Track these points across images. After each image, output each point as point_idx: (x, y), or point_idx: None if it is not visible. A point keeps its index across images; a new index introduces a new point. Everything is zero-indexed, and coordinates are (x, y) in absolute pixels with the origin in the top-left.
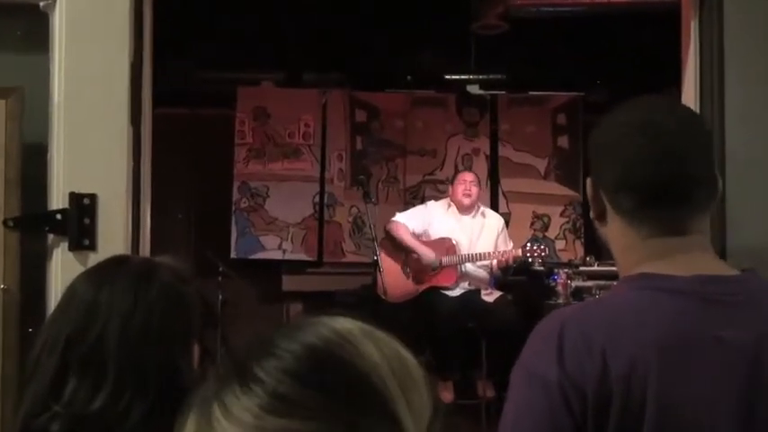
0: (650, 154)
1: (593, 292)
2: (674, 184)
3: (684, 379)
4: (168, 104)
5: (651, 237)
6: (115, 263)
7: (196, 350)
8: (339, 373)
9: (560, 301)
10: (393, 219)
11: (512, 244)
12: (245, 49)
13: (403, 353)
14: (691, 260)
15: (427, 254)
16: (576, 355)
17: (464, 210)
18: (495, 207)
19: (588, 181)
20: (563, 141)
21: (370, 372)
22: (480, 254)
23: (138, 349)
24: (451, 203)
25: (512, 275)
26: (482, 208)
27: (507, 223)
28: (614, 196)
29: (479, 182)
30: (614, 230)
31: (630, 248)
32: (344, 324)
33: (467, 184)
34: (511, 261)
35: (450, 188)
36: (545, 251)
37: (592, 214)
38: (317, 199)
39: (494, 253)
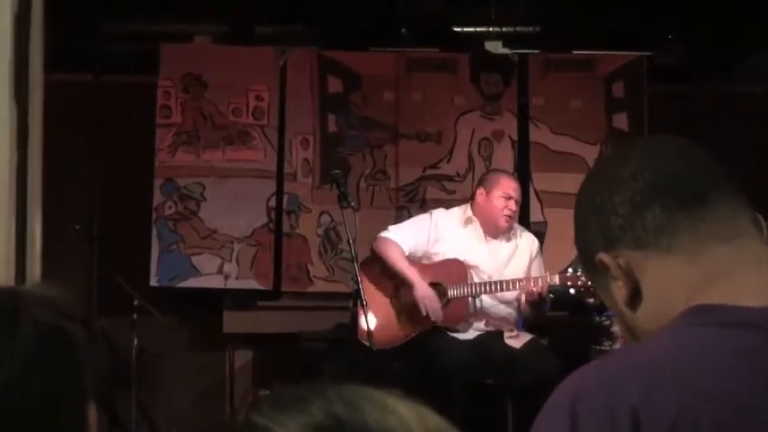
0: (648, 160)
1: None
2: (690, 177)
3: None
4: (65, 69)
5: (694, 248)
6: None
7: (94, 416)
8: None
9: (616, 346)
10: (382, 234)
11: (547, 273)
12: None
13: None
14: (762, 281)
15: (425, 290)
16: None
17: (495, 233)
18: (525, 213)
19: (599, 262)
20: (620, 121)
21: None
22: (499, 282)
23: (7, 420)
24: (474, 219)
25: (548, 311)
26: (516, 228)
27: (542, 237)
28: (636, 231)
29: (519, 193)
30: (653, 279)
31: (676, 283)
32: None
33: (511, 202)
34: (544, 293)
35: (480, 195)
36: None
37: (623, 302)
38: (273, 203)
39: (521, 282)
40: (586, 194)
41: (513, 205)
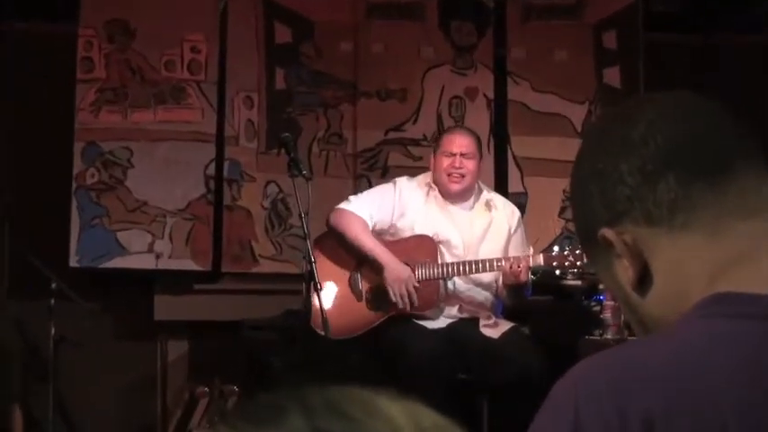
0: (661, 120)
1: None
2: (711, 141)
3: None
4: None
5: (715, 226)
6: None
7: (18, 417)
8: None
9: (608, 335)
10: (341, 206)
11: (530, 250)
12: None
13: None
14: None
15: (398, 271)
16: None
17: (453, 198)
18: (502, 182)
19: (601, 238)
20: (612, 76)
21: None
22: (474, 262)
23: None
24: (433, 186)
25: (530, 296)
26: (485, 192)
27: (523, 210)
28: (646, 204)
29: (480, 148)
30: (666, 260)
31: (694, 265)
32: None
33: (455, 158)
34: (523, 276)
35: (432, 159)
36: (582, 257)
37: (629, 285)
38: (211, 170)
39: (499, 262)
40: (587, 159)
41: (457, 162)
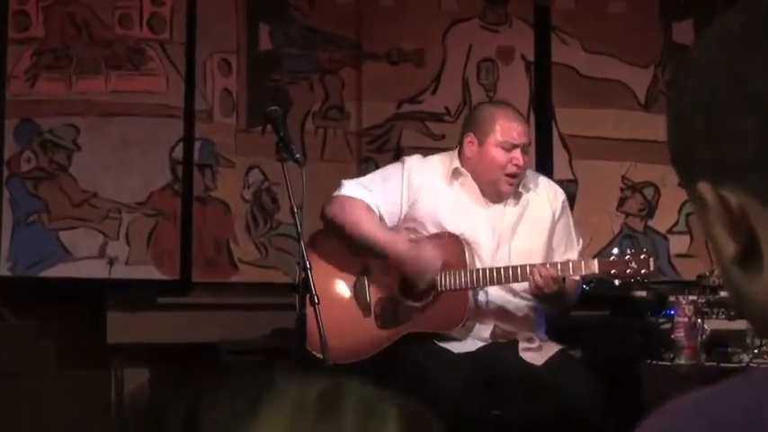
0: None
1: (754, 343)
2: None
3: None
4: None
5: None
6: None
7: None
8: None
9: (681, 360)
10: (339, 192)
11: (581, 244)
12: None
13: None
14: None
15: (424, 259)
16: None
17: (496, 197)
18: (545, 167)
19: (700, 193)
20: (683, 32)
21: None
22: (513, 268)
23: None
24: (464, 171)
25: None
26: (529, 176)
27: (572, 201)
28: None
29: (529, 135)
30: None
31: None
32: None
33: (516, 153)
34: (571, 285)
35: (470, 145)
36: (649, 264)
37: (729, 258)
38: (179, 153)
39: (541, 267)
40: (699, 75)
41: (518, 157)
